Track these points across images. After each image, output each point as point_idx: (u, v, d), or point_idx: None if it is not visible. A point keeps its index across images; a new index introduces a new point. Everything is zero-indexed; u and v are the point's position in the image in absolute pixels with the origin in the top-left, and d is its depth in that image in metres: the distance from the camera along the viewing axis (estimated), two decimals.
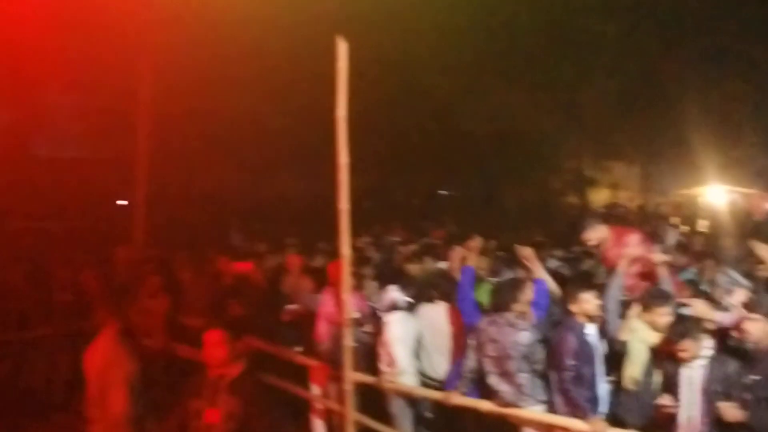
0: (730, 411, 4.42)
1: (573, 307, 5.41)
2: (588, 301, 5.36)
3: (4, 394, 7.91)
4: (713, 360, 4.67)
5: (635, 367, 5.29)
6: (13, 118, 13.30)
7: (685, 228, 15.09)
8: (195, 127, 13.42)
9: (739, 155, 23.29)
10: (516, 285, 5.74)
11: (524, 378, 5.41)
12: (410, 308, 6.62)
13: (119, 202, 12.29)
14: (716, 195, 22.75)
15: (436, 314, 6.49)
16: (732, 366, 4.59)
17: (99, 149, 14.20)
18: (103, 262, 8.79)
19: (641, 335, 5.29)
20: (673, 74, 20.55)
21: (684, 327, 4.81)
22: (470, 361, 5.67)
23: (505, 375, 5.45)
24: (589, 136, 20.87)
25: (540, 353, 5.52)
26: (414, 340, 6.33)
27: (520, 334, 5.43)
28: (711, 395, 4.61)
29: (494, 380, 5.50)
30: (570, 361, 5.21)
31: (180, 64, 11.37)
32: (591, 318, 5.40)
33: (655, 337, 5.20)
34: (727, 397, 4.52)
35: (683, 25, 20.86)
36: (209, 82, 12.46)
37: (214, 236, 10.89)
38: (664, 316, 5.16)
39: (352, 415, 6.16)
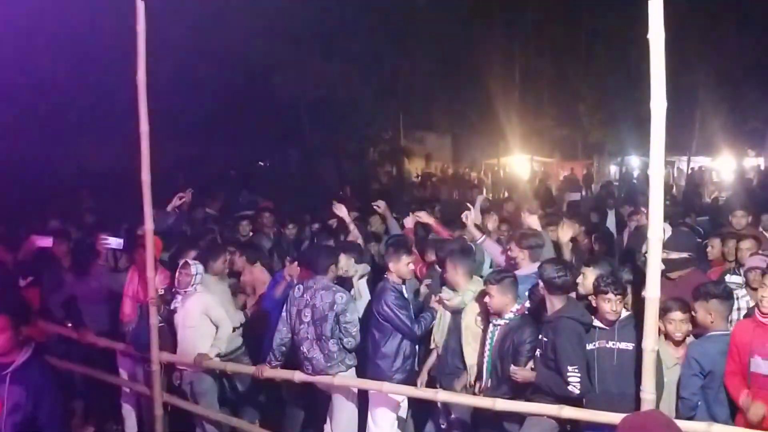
0: (522, 373, 4.72)
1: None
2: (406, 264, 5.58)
3: None
4: (512, 321, 4.94)
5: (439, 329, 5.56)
6: None
7: (491, 195, 16.04)
8: None
9: (541, 127, 25.13)
10: (331, 251, 5.92)
11: (334, 343, 5.46)
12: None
13: None
14: (520, 164, 24.48)
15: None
16: (528, 329, 4.87)
17: None
18: None
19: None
20: (482, 49, 21.63)
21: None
22: (281, 333, 5.62)
23: (319, 340, 5.47)
24: (404, 108, 21.47)
25: (353, 314, 5.60)
26: (215, 317, 6.13)
27: (336, 295, 5.49)
28: (502, 354, 4.90)
29: (307, 347, 5.50)
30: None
31: None
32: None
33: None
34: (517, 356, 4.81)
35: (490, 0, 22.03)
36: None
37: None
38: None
39: (161, 396, 5.93)
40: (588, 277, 4.91)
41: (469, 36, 21.39)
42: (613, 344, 4.50)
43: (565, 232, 6.28)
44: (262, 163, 21.93)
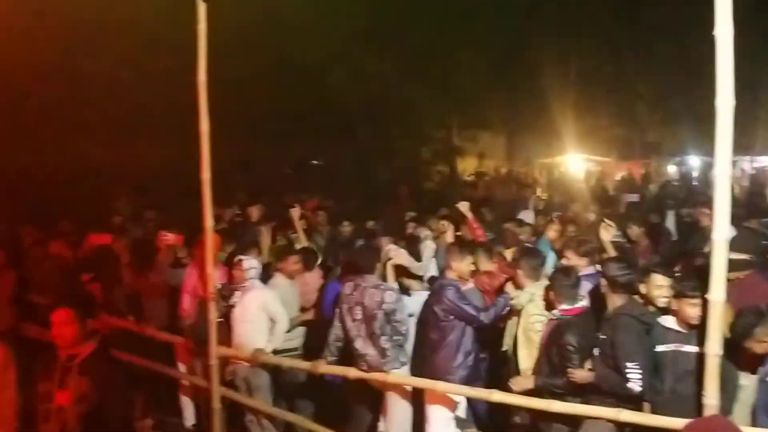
0: (579, 374, 4.65)
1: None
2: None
3: None
4: (560, 320, 4.88)
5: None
6: None
7: (546, 195, 15.82)
8: (43, 94, 12.50)
9: (597, 125, 24.69)
10: (376, 249, 6.05)
11: (386, 341, 5.48)
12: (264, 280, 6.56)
13: None
14: (575, 163, 24.08)
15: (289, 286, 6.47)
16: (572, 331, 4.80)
17: None
18: None
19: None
20: (537, 46, 21.35)
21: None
22: (335, 329, 5.68)
23: (371, 337, 5.50)
24: (458, 106, 21.32)
25: (402, 313, 5.63)
26: (273, 312, 6.22)
27: (385, 293, 5.51)
28: (548, 351, 4.85)
29: (360, 344, 5.54)
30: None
31: (26, 24, 10.52)
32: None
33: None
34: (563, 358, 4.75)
35: None
36: (63, 45, 11.63)
37: (65, 210, 10.23)
38: None
39: (219, 389, 6.04)
40: (655, 282, 4.80)
41: (525, 32, 21.13)
42: (690, 348, 4.38)
43: (607, 232, 6.28)
44: (315, 162, 22.11)
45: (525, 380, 4.83)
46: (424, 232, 7.83)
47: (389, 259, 6.06)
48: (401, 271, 6.15)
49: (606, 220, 6.66)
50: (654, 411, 4.39)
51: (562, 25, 22.54)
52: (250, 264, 6.23)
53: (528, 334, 5.27)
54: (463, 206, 7.45)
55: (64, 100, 12.62)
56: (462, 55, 19.28)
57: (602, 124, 24.91)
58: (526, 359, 5.22)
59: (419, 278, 6.27)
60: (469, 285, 5.88)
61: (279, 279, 6.58)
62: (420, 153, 21.77)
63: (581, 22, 22.66)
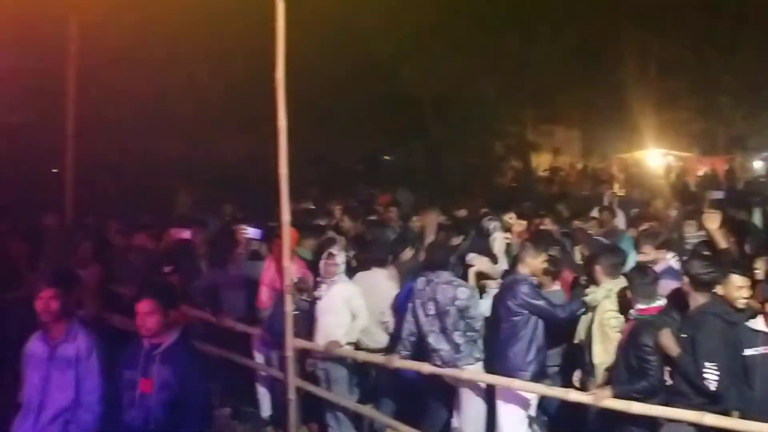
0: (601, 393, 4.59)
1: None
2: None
3: None
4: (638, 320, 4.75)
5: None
6: None
7: (623, 191, 15.42)
8: (127, 91, 12.98)
9: (678, 119, 23.87)
10: (451, 245, 6.04)
11: (460, 336, 5.44)
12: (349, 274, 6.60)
13: (54, 170, 11.80)
14: (654, 158, 23.35)
15: (374, 281, 6.45)
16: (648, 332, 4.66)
17: (27, 114, 13.62)
18: (31, 230, 8.45)
19: None
20: (612, 39, 20.80)
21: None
22: (408, 324, 5.68)
23: (444, 333, 5.47)
24: (531, 101, 21.01)
25: (476, 310, 5.60)
26: (355, 307, 6.26)
27: (459, 290, 5.49)
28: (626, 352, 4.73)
29: (433, 340, 5.53)
30: None
31: (111, 25, 10.91)
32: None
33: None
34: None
35: None
36: (142, 44, 12.02)
37: (148, 203, 10.60)
38: None
39: (294, 381, 6.13)
40: (734, 283, 4.62)
41: (603, 24, 20.61)
42: None
43: (712, 221, 5.95)
44: (387, 157, 22.20)
45: (603, 392, 4.69)
46: (493, 224, 7.79)
47: (471, 266, 6.02)
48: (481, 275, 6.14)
49: (709, 209, 6.42)
50: (742, 416, 4.22)
51: (642, 16, 21.88)
52: (341, 258, 6.30)
53: (603, 329, 5.17)
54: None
55: (148, 97, 13.07)
56: (537, 48, 18.97)
57: (683, 117, 24.06)
58: (601, 354, 5.13)
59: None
60: (556, 287, 5.85)
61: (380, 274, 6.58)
62: (493, 148, 21.56)
63: (662, 13, 21.92)
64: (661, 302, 4.80)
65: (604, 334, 5.15)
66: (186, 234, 7.96)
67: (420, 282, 5.71)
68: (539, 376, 5.37)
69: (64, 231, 8.30)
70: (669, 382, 4.55)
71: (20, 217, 8.82)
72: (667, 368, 4.55)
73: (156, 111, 13.54)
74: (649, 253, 5.88)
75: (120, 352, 4.60)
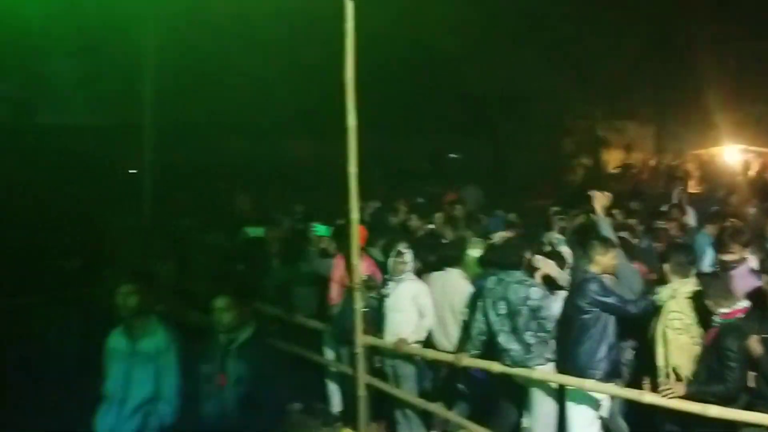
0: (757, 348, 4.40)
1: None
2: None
3: (20, 359, 7.96)
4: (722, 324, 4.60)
5: None
6: (18, 85, 13.26)
7: (700, 188, 14.92)
8: (201, 93, 13.35)
9: (757, 113, 22.95)
10: (523, 243, 6.00)
11: (531, 336, 5.39)
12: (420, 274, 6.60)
13: (131, 171, 12.26)
14: (731, 154, 22.48)
15: (447, 280, 6.43)
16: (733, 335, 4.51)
17: (105, 116, 14.18)
18: (112, 229, 8.80)
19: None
20: (687, 30, 20.12)
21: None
22: (478, 323, 5.66)
23: (515, 333, 5.43)
24: (602, 96, 20.53)
25: (548, 310, 5.54)
26: (422, 305, 6.27)
27: (531, 289, 5.45)
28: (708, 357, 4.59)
29: (504, 339, 5.49)
30: None
31: (185, 29, 11.22)
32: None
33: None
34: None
35: None
36: (214, 46, 12.34)
37: (221, 202, 10.88)
38: None
39: (364, 377, 6.18)
40: None
41: (677, 16, 19.96)
42: None
43: None
44: (453, 156, 22.10)
45: (676, 387, 4.57)
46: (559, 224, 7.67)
47: (537, 269, 5.95)
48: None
49: None
50: None
51: (719, 5, 21.09)
52: (409, 257, 6.34)
53: (665, 331, 5.05)
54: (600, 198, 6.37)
55: (221, 98, 13.42)
56: (607, 41, 18.52)
57: (763, 111, 23.12)
58: (661, 357, 5.03)
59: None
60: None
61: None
62: (562, 145, 21.19)
63: (741, 4, 21.08)
64: (744, 304, 4.64)
65: (666, 337, 5.04)
66: (258, 234, 8.14)
67: (491, 281, 5.68)
68: (611, 376, 5.25)
69: (142, 229, 8.60)
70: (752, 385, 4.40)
71: (102, 216, 9.18)
72: (753, 373, 4.41)
73: (228, 112, 13.88)
74: (735, 252, 5.70)
75: (196, 347, 4.75)
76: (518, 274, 5.60)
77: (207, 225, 8.51)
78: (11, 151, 11.30)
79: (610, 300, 5.22)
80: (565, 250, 6.79)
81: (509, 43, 17.22)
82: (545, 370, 5.47)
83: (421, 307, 6.27)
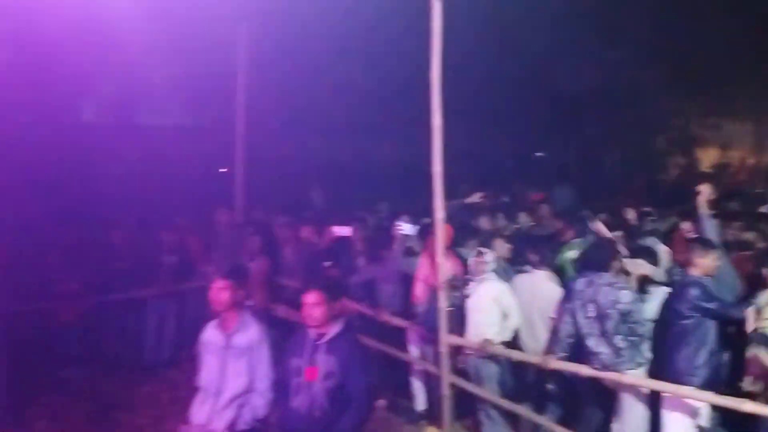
0: None
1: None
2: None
3: (116, 351, 8.40)
4: None
5: None
6: (118, 88, 13.88)
7: None
8: (291, 94, 13.62)
9: None
10: (612, 245, 5.88)
11: (621, 340, 5.28)
12: (506, 274, 6.56)
13: (221, 170, 12.67)
14: None
15: (535, 282, 6.37)
16: None
17: (199, 117, 14.69)
18: (205, 226, 9.12)
19: None
20: None
21: None
22: (567, 325, 5.58)
23: (604, 336, 5.32)
24: (696, 91, 19.71)
25: (640, 314, 5.41)
26: (506, 306, 6.22)
27: (621, 293, 5.33)
28: None
29: (593, 342, 5.39)
30: None
31: (277, 32, 11.48)
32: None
33: None
34: None
35: None
36: (304, 48, 12.56)
37: (308, 199, 11.13)
38: None
39: (448, 377, 6.19)
40: None
41: None
42: None
43: None
44: (539, 154, 21.72)
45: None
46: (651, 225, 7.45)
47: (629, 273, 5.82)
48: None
49: None
50: None
51: None
52: (490, 257, 6.31)
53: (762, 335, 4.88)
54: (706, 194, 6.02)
55: (308, 97, 13.68)
56: (702, 34, 17.75)
57: None
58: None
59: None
60: None
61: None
62: (654, 143, 20.48)
63: None
64: None
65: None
66: (345, 230, 8.27)
67: (580, 282, 5.59)
68: (712, 383, 5.06)
69: (235, 226, 8.89)
70: None
71: (195, 213, 9.52)
72: None
73: (317, 111, 14.14)
74: None
75: (287, 341, 4.88)
76: (608, 277, 5.49)
77: (296, 222, 8.70)
78: (112, 151, 11.85)
79: (712, 306, 5.05)
80: (662, 249, 6.62)
81: (598, 38, 16.78)
82: (637, 375, 5.34)
83: (504, 308, 6.23)
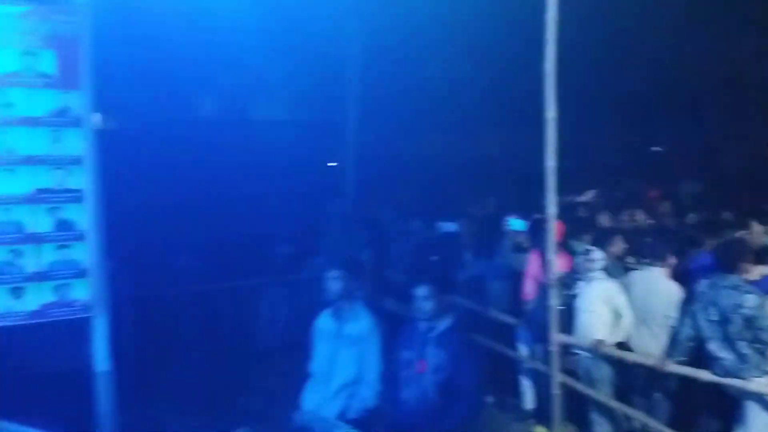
0: None
1: None
2: None
3: (230, 336, 8.75)
4: None
5: None
6: (233, 83, 14.39)
7: None
8: (401, 88, 13.69)
9: None
10: (741, 245, 5.50)
11: (745, 345, 5.00)
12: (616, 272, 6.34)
13: (330, 164, 12.92)
14: None
15: (650, 279, 6.12)
16: None
17: (310, 112, 15.01)
18: (317, 218, 9.36)
19: None
20: None
21: None
22: (687, 328, 5.34)
23: (727, 341, 5.07)
24: None
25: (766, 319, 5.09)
26: (617, 305, 6.02)
27: (745, 296, 5.07)
28: None
29: (714, 347, 5.15)
30: None
31: (388, 27, 11.56)
32: None
33: None
34: None
35: None
36: (415, 43, 12.60)
37: (417, 195, 11.14)
38: None
39: (558, 376, 6.07)
40: None
41: None
42: None
43: None
44: (656, 149, 20.85)
45: None
46: None
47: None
48: None
49: None
50: None
51: None
52: (598, 255, 6.15)
53: None
54: None
55: (417, 92, 13.74)
56: None
57: None
58: None
59: None
60: None
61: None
62: None
63: None
64: None
65: None
66: (450, 229, 8.27)
67: (703, 284, 5.34)
68: None
69: (345, 218, 9.07)
70: None
71: (307, 205, 9.78)
72: None
73: (427, 105, 14.17)
74: None
75: (396, 333, 4.93)
76: (733, 279, 5.20)
77: (405, 215, 8.77)
78: (229, 146, 12.30)
79: None
80: None
81: (720, 24, 15.88)
82: (764, 383, 5.05)
83: (616, 307, 6.04)
